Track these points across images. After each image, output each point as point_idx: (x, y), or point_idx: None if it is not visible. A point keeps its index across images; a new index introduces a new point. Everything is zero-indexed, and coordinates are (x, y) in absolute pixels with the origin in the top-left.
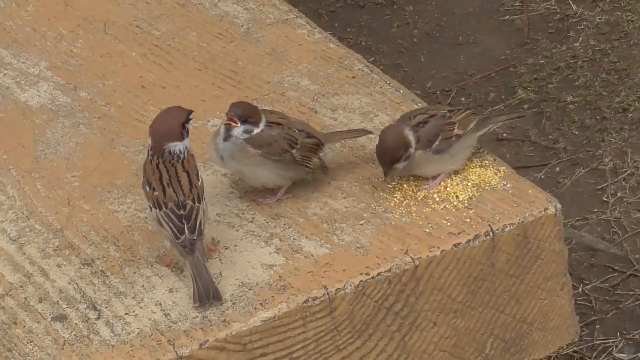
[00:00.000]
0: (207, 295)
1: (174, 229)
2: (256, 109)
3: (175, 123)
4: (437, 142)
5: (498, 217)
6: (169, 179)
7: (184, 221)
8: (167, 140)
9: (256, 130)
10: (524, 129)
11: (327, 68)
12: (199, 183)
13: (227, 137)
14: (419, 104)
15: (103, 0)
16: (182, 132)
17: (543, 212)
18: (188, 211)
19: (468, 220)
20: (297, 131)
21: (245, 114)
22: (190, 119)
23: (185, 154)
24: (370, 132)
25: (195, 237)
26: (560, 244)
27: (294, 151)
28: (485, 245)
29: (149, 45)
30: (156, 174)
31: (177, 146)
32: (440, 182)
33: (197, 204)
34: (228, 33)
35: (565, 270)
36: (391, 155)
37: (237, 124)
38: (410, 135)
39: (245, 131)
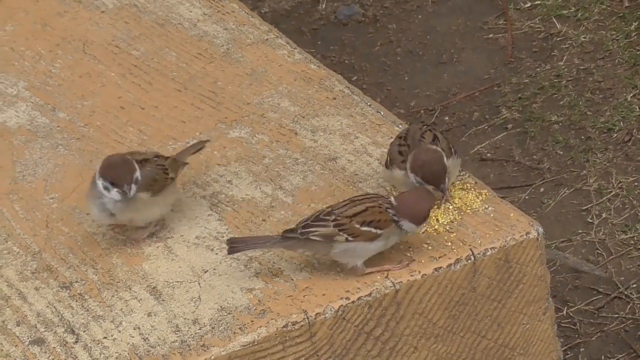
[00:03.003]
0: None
1: None
2: (129, 163)
3: None
4: (453, 151)
5: (479, 241)
6: None
7: None
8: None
9: (139, 177)
10: (507, 149)
11: (308, 89)
12: None
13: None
14: (400, 126)
15: (82, 20)
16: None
17: (525, 236)
18: None
19: (449, 244)
20: (154, 157)
21: (131, 176)
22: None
23: None
24: (208, 140)
25: None
26: (542, 268)
27: (171, 175)
28: (466, 269)
29: (128, 66)
30: None
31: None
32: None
33: None
34: (207, 53)
35: (547, 295)
36: (443, 168)
37: (129, 191)
38: (439, 149)
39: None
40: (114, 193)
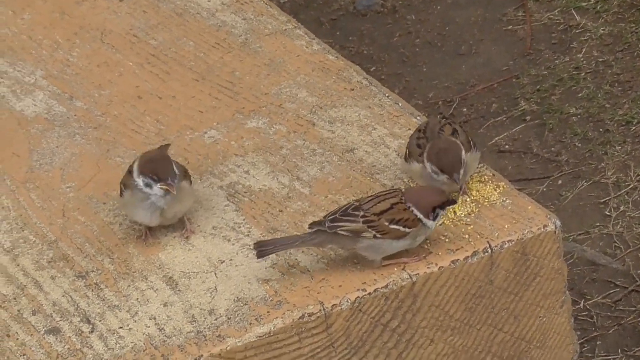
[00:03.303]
0: (262, 244)
1: None
2: (166, 156)
3: None
4: (472, 144)
5: (497, 234)
6: None
7: None
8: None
9: (176, 168)
10: (525, 141)
11: (326, 80)
12: None
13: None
14: (418, 117)
15: (100, 8)
16: None
17: (542, 229)
18: None
19: (466, 236)
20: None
21: (172, 168)
22: None
23: None
24: (168, 144)
25: None
26: (560, 261)
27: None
28: (483, 262)
29: (145, 55)
30: None
31: None
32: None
33: None
34: (225, 43)
35: (564, 288)
36: (459, 159)
37: (173, 187)
38: (458, 141)
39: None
40: (157, 189)
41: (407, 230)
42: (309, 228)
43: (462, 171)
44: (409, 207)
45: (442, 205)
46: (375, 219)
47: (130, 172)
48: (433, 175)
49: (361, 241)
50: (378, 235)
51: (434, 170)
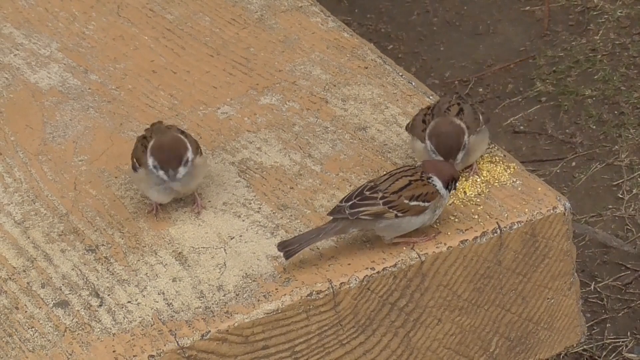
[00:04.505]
0: (287, 244)
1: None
2: (177, 142)
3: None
4: (481, 120)
5: (506, 215)
6: None
7: None
8: None
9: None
10: (540, 122)
11: (340, 57)
12: None
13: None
14: (431, 97)
15: None
16: None
17: (552, 211)
18: None
19: (476, 216)
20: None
21: (185, 150)
22: None
23: None
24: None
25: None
26: (569, 243)
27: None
28: (492, 242)
29: (161, 29)
30: None
31: None
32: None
33: None
34: (241, 19)
35: (572, 270)
36: (457, 144)
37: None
38: (462, 124)
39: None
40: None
41: (426, 204)
42: (332, 224)
43: (460, 155)
44: (430, 178)
45: (457, 179)
46: (395, 198)
47: (145, 149)
48: (432, 154)
49: (381, 222)
50: (399, 215)
51: (433, 150)
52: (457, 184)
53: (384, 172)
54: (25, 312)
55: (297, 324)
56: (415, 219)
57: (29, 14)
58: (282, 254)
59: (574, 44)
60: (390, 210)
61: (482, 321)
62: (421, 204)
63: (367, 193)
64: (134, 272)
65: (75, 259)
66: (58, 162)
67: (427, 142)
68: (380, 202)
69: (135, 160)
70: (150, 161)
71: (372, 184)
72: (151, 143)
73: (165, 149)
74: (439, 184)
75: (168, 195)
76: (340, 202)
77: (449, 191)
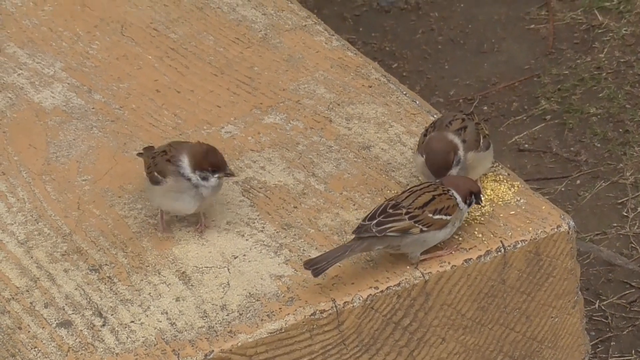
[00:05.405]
0: (314, 262)
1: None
2: (215, 149)
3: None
4: (481, 142)
5: (510, 233)
6: None
7: None
8: None
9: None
10: (545, 140)
11: (344, 76)
12: None
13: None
14: (435, 115)
15: (121, 1)
16: None
17: (556, 229)
18: None
19: (480, 235)
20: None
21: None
22: None
23: None
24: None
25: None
26: (573, 261)
27: None
28: (496, 261)
29: (165, 49)
30: None
31: None
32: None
33: None
34: (245, 38)
35: (577, 289)
36: (445, 162)
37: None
38: (456, 139)
39: None
40: (213, 180)
41: (448, 218)
42: (358, 241)
43: (454, 171)
44: (449, 191)
45: (478, 193)
46: (420, 212)
47: (169, 160)
48: (426, 169)
49: (407, 237)
50: (424, 229)
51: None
52: (481, 198)
53: (402, 190)
54: (29, 332)
55: (301, 343)
56: (438, 232)
57: (32, 34)
58: (310, 271)
59: (578, 62)
60: (416, 225)
61: (486, 340)
62: (444, 217)
63: (391, 210)
64: (137, 291)
65: (78, 279)
66: (61, 181)
67: (422, 156)
68: (406, 217)
69: (156, 174)
70: (197, 173)
71: (394, 202)
72: (190, 150)
73: (217, 153)
74: (458, 198)
75: (196, 203)
76: (363, 220)
77: (469, 205)
